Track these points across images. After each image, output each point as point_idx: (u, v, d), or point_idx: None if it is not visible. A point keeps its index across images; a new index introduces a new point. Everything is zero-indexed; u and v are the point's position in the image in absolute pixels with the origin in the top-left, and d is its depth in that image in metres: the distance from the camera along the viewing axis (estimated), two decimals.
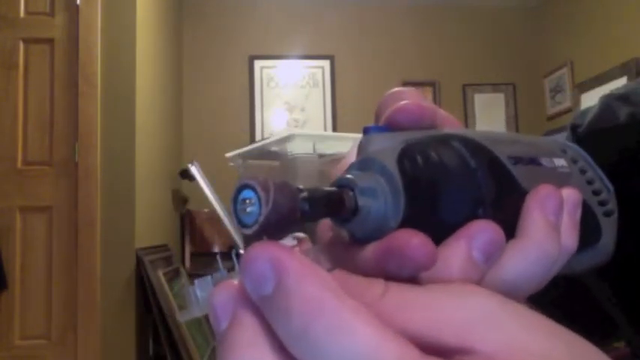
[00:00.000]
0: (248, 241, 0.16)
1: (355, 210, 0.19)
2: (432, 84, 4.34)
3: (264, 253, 0.14)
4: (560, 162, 0.26)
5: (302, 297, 0.13)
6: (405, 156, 0.20)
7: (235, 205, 0.17)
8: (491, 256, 0.19)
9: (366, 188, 0.19)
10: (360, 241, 0.19)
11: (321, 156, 2.12)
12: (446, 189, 0.19)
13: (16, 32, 2.51)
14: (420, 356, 0.12)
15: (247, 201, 0.17)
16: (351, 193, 0.19)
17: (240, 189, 0.17)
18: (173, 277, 2.79)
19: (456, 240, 0.19)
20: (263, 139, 3.29)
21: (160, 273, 2.54)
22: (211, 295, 0.15)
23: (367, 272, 0.17)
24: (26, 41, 2.52)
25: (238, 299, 0.15)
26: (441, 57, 4.36)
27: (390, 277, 0.16)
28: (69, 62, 2.51)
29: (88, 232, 2.43)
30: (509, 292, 0.20)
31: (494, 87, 4.41)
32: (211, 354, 2.81)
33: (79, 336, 2.40)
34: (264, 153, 2.24)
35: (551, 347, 0.12)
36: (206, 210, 3.63)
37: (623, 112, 0.43)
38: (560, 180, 0.24)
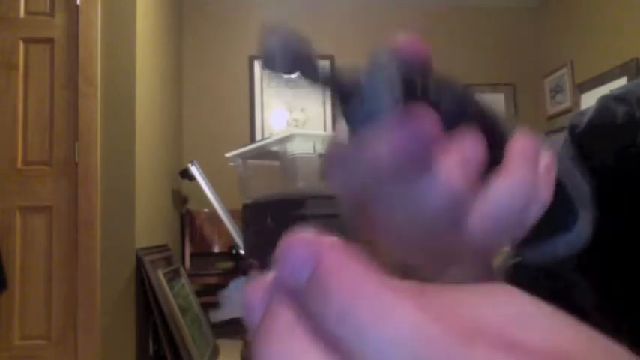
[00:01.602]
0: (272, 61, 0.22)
1: (368, 90, 0.22)
2: None
3: (300, 240, 0.14)
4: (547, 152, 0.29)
5: (342, 279, 0.13)
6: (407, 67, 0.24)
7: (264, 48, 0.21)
8: (479, 164, 0.23)
9: (375, 66, 0.23)
10: (358, 126, 0.22)
11: (321, 156, 2.12)
12: (446, 96, 0.24)
13: (16, 32, 2.51)
14: (465, 334, 0.12)
15: (274, 43, 0.21)
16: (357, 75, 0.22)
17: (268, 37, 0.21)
18: (173, 277, 2.79)
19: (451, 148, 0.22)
20: (263, 139, 3.29)
21: (160, 273, 2.54)
22: (246, 291, 0.15)
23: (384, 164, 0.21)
24: (26, 41, 2.52)
25: (273, 292, 0.14)
26: (441, 57, 4.35)
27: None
28: (69, 62, 2.51)
29: (88, 232, 2.44)
30: (493, 230, 0.23)
31: (494, 87, 4.41)
32: (211, 354, 2.81)
33: (79, 336, 2.40)
34: (264, 153, 2.24)
35: (588, 348, 0.12)
36: (206, 210, 3.63)
37: (619, 112, 0.43)
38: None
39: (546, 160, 0.26)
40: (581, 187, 0.30)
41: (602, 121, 0.44)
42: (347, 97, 0.22)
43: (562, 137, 0.47)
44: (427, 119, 0.22)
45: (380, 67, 0.22)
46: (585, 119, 0.45)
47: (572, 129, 0.46)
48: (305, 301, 0.14)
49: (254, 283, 0.15)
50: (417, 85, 0.22)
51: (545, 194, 0.25)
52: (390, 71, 0.22)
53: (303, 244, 0.14)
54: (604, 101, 0.45)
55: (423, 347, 0.12)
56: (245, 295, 0.15)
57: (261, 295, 0.15)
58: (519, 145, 0.24)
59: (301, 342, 0.13)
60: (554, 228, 0.26)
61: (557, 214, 0.26)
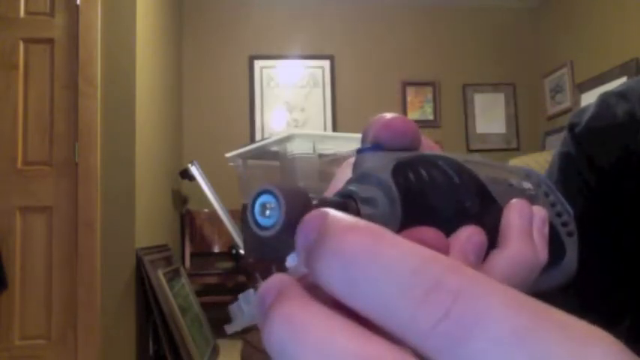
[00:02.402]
0: (267, 243, 0.18)
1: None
2: (432, 84, 4.34)
3: (313, 212, 0.15)
4: (527, 185, 0.29)
5: (337, 232, 0.14)
6: (398, 171, 0.22)
7: (253, 208, 0.19)
8: (480, 258, 0.22)
9: (366, 198, 0.21)
10: None
11: (321, 156, 2.12)
12: (435, 200, 0.22)
13: (16, 32, 2.51)
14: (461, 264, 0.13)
15: (267, 205, 0.18)
16: (354, 203, 0.21)
17: (260, 194, 0.19)
18: (173, 277, 2.79)
19: (452, 242, 0.21)
20: (263, 139, 3.29)
21: (160, 273, 2.54)
22: (259, 289, 0.16)
23: None
24: (26, 41, 2.52)
25: (284, 281, 0.15)
26: (441, 57, 4.36)
27: None
28: (69, 62, 2.51)
29: (88, 232, 2.43)
30: None
31: (494, 87, 4.41)
32: (211, 354, 2.81)
33: (79, 336, 2.40)
34: (264, 153, 2.23)
35: None
36: (206, 210, 3.63)
37: (620, 110, 0.42)
38: (528, 200, 0.27)
39: (539, 223, 0.26)
40: (566, 215, 0.31)
41: (603, 119, 0.43)
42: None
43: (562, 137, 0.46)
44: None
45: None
46: (585, 117, 0.45)
47: (572, 127, 0.46)
48: (311, 266, 0.14)
49: (267, 280, 0.16)
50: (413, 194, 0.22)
51: (542, 256, 0.25)
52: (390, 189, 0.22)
53: (314, 215, 0.15)
54: (604, 98, 0.45)
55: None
56: (259, 292, 0.15)
57: (272, 284, 0.15)
58: (513, 217, 0.25)
59: (311, 306, 0.14)
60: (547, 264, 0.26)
61: (549, 249, 0.27)
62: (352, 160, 0.25)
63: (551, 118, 4.25)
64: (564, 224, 0.31)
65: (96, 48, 2.50)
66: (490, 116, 4.40)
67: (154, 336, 2.60)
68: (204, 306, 3.09)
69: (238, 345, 2.48)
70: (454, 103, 4.37)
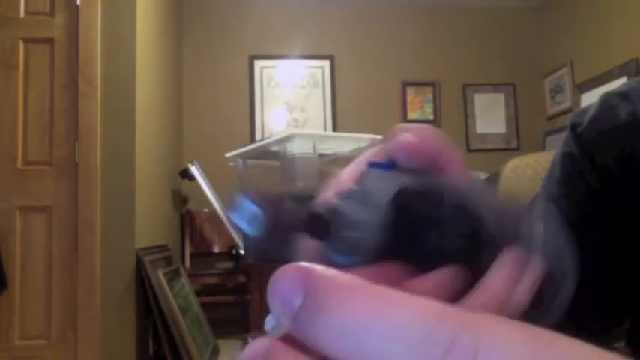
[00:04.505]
0: (255, 245, 0.18)
1: (339, 239, 0.21)
2: (432, 84, 4.34)
3: (287, 270, 0.14)
4: (526, 227, 0.28)
5: (334, 292, 0.13)
6: (398, 200, 0.22)
7: (235, 210, 0.19)
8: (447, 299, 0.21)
9: (353, 222, 0.21)
10: (331, 261, 0.22)
11: (321, 156, 2.12)
12: (425, 237, 0.22)
13: (16, 32, 2.51)
14: (458, 309, 0.13)
15: (249, 211, 0.18)
16: (338, 222, 0.21)
17: (241, 199, 0.19)
18: (173, 277, 2.79)
19: (423, 282, 0.20)
20: (263, 139, 3.29)
21: (160, 273, 2.54)
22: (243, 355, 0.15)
23: None
24: (26, 41, 2.52)
25: (268, 345, 0.15)
26: (441, 57, 4.36)
27: None
28: (69, 62, 2.51)
29: (88, 232, 2.43)
30: None
31: (494, 87, 4.41)
32: (211, 354, 2.81)
33: (79, 336, 2.40)
34: (264, 153, 2.24)
35: None
36: (206, 210, 3.63)
37: (622, 111, 0.42)
38: (526, 242, 0.26)
39: (534, 264, 0.25)
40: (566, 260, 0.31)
41: (605, 120, 0.43)
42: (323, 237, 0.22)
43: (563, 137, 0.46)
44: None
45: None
46: (587, 117, 0.45)
47: (574, 127, 0.45)
48: (302, 332, 0.14)
49: (251, 343, 0.15)
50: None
51: (524, 301, 0.25)
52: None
53: (289, 274, 0.14)
54: (606, 98, 0.44)
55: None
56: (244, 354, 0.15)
57: (257, 350, 0.15)
58: (498, 275, 0.24)
59: None
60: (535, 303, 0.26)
61: (540, 290, 0.26)
62: (361, 163, 0.25)
63: (551, 118, 4.25)
64: (561, 265, 0.30)
65: (96, 48, 2.50)
66: (490, 116, 4.40)
67: (154, 336, 2.60)
68: (204, 306, 3.09)
69: (238, 345, 2.48)
70: (454, 103, 4.37)
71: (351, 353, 0.13)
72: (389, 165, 0.23)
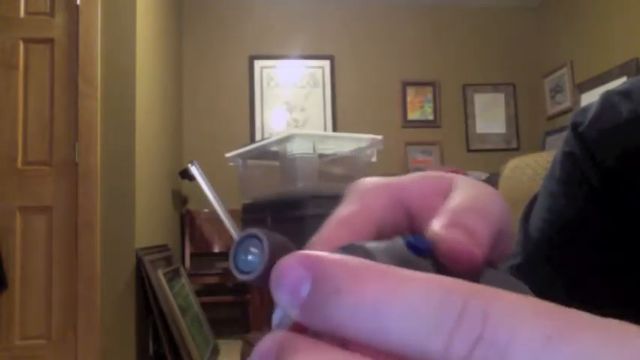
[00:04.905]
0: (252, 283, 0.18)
1: None
2: (432, 84, 4.34)
3: (290, 262, 0.14)
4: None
5: (345, 276, 0.13)
6: None
7: (237, 251, 0.18)
8: None
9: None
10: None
11: (321, 156, 2.12)
12: None
13: (16, 32, 2.51)
14: (467, 286, 0.13)
15: (251, 249, 0.18)
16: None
17: (245, 237, 0.18)
18: (173, 277, 2.79)
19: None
20: (263, 139, 3.29)
21: (160, 273, 2.54)
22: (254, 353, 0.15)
23: None
24: (26, 41, 2.52)
25: (279, 339, 0.14)
26: (441, 57, 4.36)
27: None
28: (69, 62, 2.51)
29: (88, 232, 2.43)
30: None
31: (494, 87, 4.41)
32: (211, 354, 2.81)
33: (79, 336, 2.40)
34: (264, 153, 2.24)
35: None
36: (206, 210, 3.63)
37: (624, 109, 0.42)
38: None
39: None
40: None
41: (607, 118, 0.43)
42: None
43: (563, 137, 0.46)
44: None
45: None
46: (589, 116, 0.44)
47: (575, 126, 0.45)
48: (313, 320, 0.14)
49: (262, 340, 0.15)
50: None
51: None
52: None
53: (292, 265, 0.14)
54: (608, 96, 0.44)
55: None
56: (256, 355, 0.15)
57: (269, 346, 0.14)
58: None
59: (329, 352, 0.13)
60: None
61: None
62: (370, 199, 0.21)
63: (551, 118, 4.25)
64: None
65: (96, 48, 2.50)
66: (490, 116, 4.40)
67: (154, 336, 2.60)
68: (204, 306, 3.09)
69: (238, 345, 2.48)
70: (454, 103, 4.37)
71: (369, 330, 0.13)
72: (420, 250, 0.18)
